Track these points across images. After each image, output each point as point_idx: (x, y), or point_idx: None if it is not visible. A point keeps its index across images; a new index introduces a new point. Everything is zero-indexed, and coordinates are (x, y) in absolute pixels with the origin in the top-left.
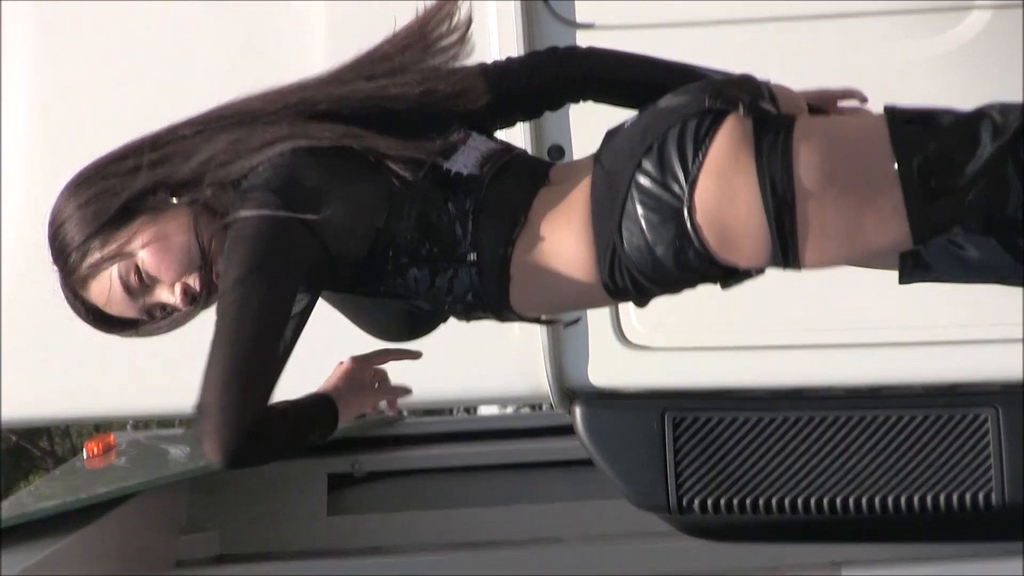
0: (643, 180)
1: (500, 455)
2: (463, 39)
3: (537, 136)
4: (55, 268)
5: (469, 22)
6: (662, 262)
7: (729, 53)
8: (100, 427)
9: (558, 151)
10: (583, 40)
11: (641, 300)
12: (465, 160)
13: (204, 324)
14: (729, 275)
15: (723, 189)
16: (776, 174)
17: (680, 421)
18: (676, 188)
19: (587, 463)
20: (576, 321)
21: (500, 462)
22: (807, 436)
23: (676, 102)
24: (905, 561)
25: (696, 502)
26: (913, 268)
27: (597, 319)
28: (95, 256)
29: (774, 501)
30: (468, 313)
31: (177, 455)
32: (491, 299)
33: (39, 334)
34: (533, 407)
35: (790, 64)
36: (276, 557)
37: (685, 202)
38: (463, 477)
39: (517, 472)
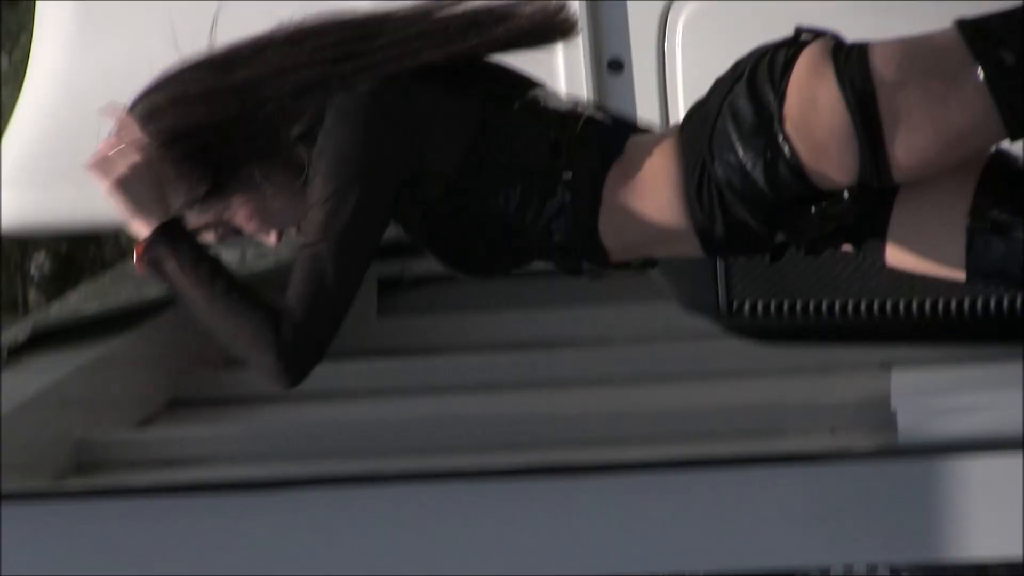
0: (734, 100)
1: None
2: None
3: (596, 48)
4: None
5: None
6: (752, 177)
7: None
8: None
9: (617, 64)
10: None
11: (728, 233)
12: (559, 102)
13: None
14: (823, 200)
15: (806, 96)
16: (854, 73)
17: None
18: (767, 103)
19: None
20: (655, 264)
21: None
22: None
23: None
24: (955, 362)
25: (746, 304)
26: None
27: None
28: (191, 217)
29: (824, 303)
30: (552, 247)
31: (229, 258)
32: (581, 224)
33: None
34: None
35: None
36: (326, 357)
37: (775, 113)
38: (512, 281)
39: (566, 275)
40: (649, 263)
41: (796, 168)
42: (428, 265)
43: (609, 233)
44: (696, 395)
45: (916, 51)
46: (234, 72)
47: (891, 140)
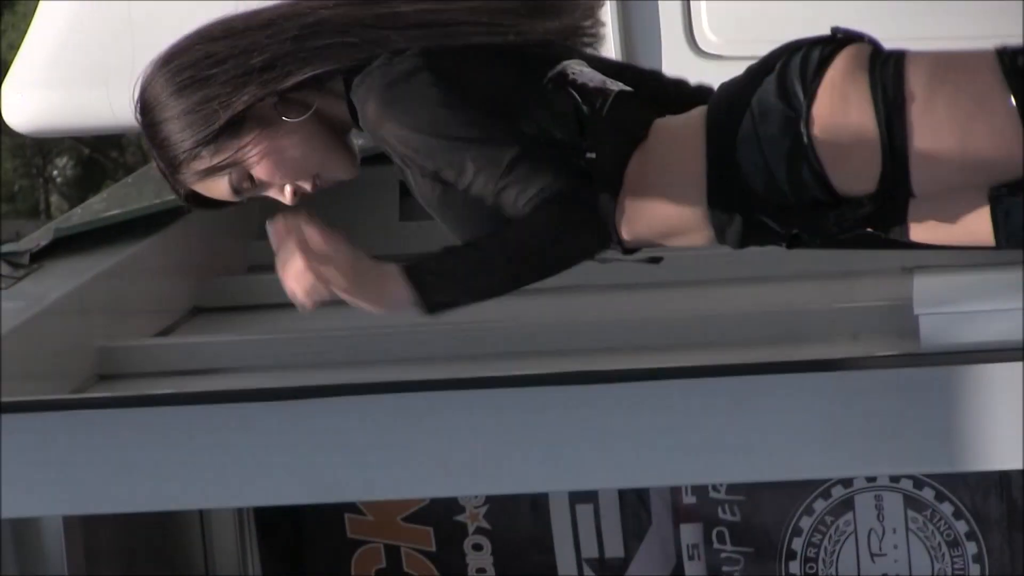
0: (763, 96)
1: None
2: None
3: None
4: (154, 152)
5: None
6: (775, 177)
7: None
8: None
9: None
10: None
11: (745, 229)
12: (590, 76)
13: None
14: (842, 206)
15: (837, 100)
16: (888, 81)
17: None
18: (795, 102)
19: None
20: (660, 260)
21: None
22: None
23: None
24: (976, 267)
25: None
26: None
27: (670, 29)
28: (204, 163)
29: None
30: None
31: None
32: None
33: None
34: None
35: None
36: None
37: (803, 114)
38: None
39: None
40: (654, 259)
41: (819, 172)
42: None
43: (626, 218)
44: (717, 301)
45: (951, 69)
46: (263, 13)
47: (915, 155)
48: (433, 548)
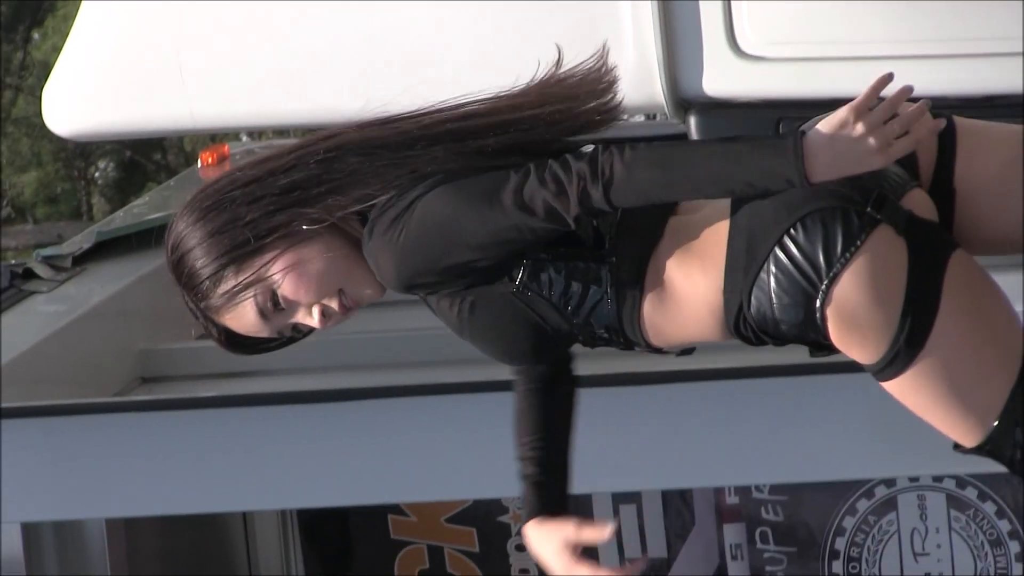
0: (783, 256)
1: None
2: (613, 108)
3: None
4: (183, 291)
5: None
6: (784, 333)
7: None
8: (215, 138)
9: None
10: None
11: (758, 343)
12: None
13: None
14: None
15: (866, 303)
16: (920, 308)
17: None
18: (814, 276)
19: None
20: (692, 351)
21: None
22: None
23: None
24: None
25: None
26: None
27: (711, 29)
28: (229, 284)
29: None
30: (594, 332)
31: None
32: (623, 309)
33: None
34: (647, 116)
35: None
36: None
37: (821, 293)
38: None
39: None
40: (687, 351)
41: (823, 340)
42: None
43: (649, 323)
44: None
45: (985, 319)
46: (289, 142)
47: (900, 380)
48: (476, 549)
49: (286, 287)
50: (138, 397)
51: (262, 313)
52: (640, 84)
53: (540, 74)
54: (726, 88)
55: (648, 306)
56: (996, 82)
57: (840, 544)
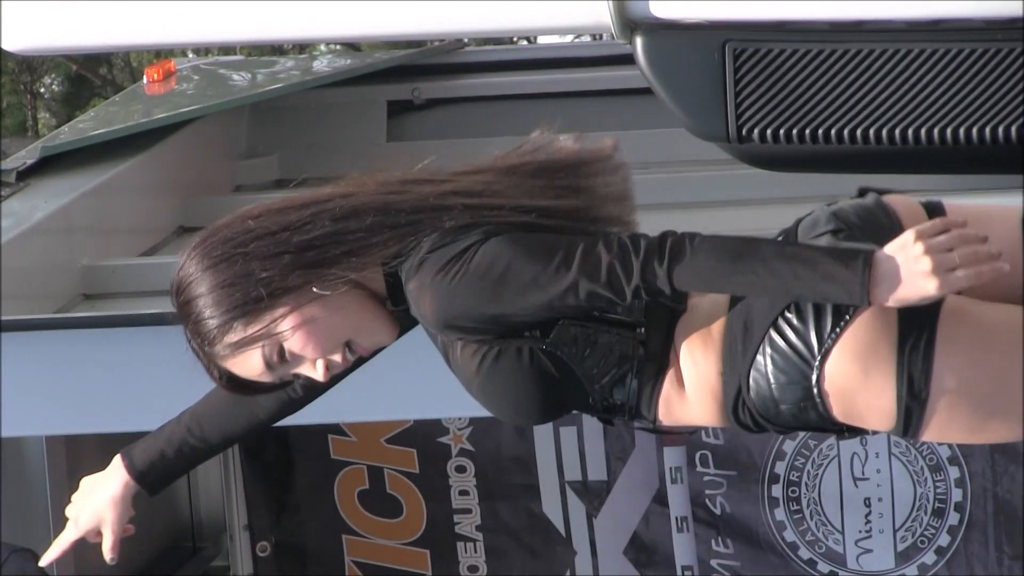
0: (777, 337)
1: (560, 84)
2: (625, 193)
3: None
4: (186, 332)
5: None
6: (783, 414)
7: None
8: (160, 54)
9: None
10: None
11: (758, 431)
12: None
13: None
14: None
15: (857, 372)
16: (916, 372)
17: (741, 52)
18: (807, 353)
19: (647, 92)
20: (694, 432)
21: (560, 90)
22: (867, 68)
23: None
24: (957, 191)
25: (755, 131)
26: None
27: None
28: (237, 335)
29: (833, 131)
30: (610, 402)
31: (238, 81)
32: (644, 384)
33: None
34: (594, 37)
35: None
36: (335, 182)
37: (815, 370)
38: (524, 104)
39: (577, 100)
40: (691, 432)
41: (827, 417)
42: (439, 87)
43: (663, 400)
44: (704, 223)
45: (984, 366)
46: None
47: (924, 431)
48: (416, 469)
49: (294, 343)
50: (81, 314)
51: (268, 364)
52: (587, 4)
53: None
54: (673, 10)
55: (666, 384)
56: None
57: (780, 468)
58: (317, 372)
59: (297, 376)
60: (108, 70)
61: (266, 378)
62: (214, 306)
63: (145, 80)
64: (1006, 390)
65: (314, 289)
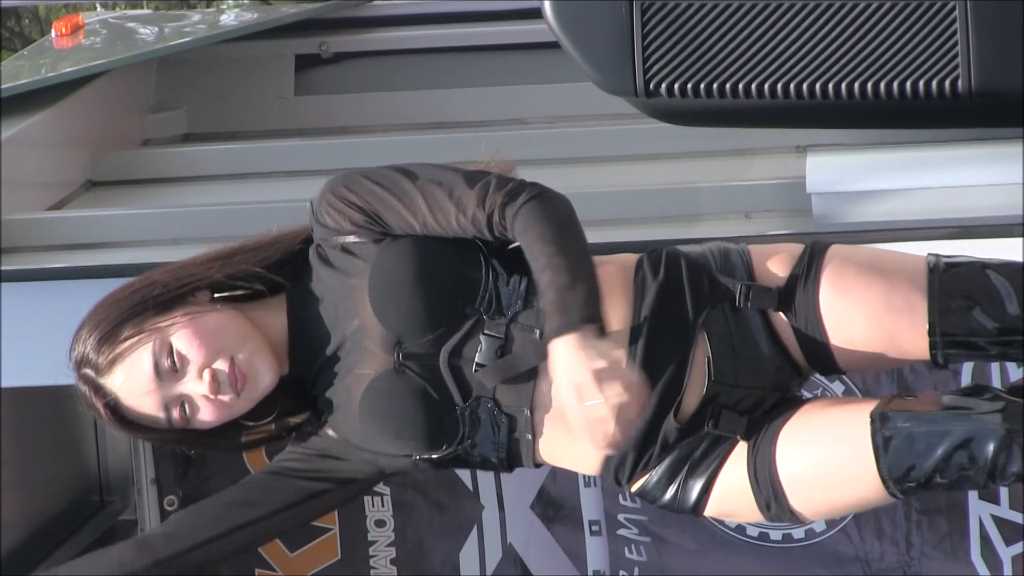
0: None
1: (468, 38)
2: None
3: None
4: (75, 363)
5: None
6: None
7: None
8: (69, 7)
9: None
10: None
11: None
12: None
13: None
14: None
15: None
16: (764, 476)
17: (649, 6)
18: (685, 500)
19: (554, 46)
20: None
21: (468, 44)
22: (776, 22)
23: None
24: (869, 146)
25: (663, 85)
26: None
27: None
28: (128, 331)
29: (741, 86)
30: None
31: (146, 35)
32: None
33: None
34: None
35: None
36: (243, 136)
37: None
38: (432, 59)
39: (484, 54)
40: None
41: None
42: (347, 41)
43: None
44: (611, 177)
45: (827, 466)
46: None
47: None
48: None
49: (181, 340)
50: None
51: (156, 368)
52: None
53: None
54: None
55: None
56: None
57: None
58: (203, 382)
59: (184, 408)
60: (16, 22)
61: (154, 398)
62: (104, 311)
63: (53, 34)
64: (857, 470)
65: (208, 302)
